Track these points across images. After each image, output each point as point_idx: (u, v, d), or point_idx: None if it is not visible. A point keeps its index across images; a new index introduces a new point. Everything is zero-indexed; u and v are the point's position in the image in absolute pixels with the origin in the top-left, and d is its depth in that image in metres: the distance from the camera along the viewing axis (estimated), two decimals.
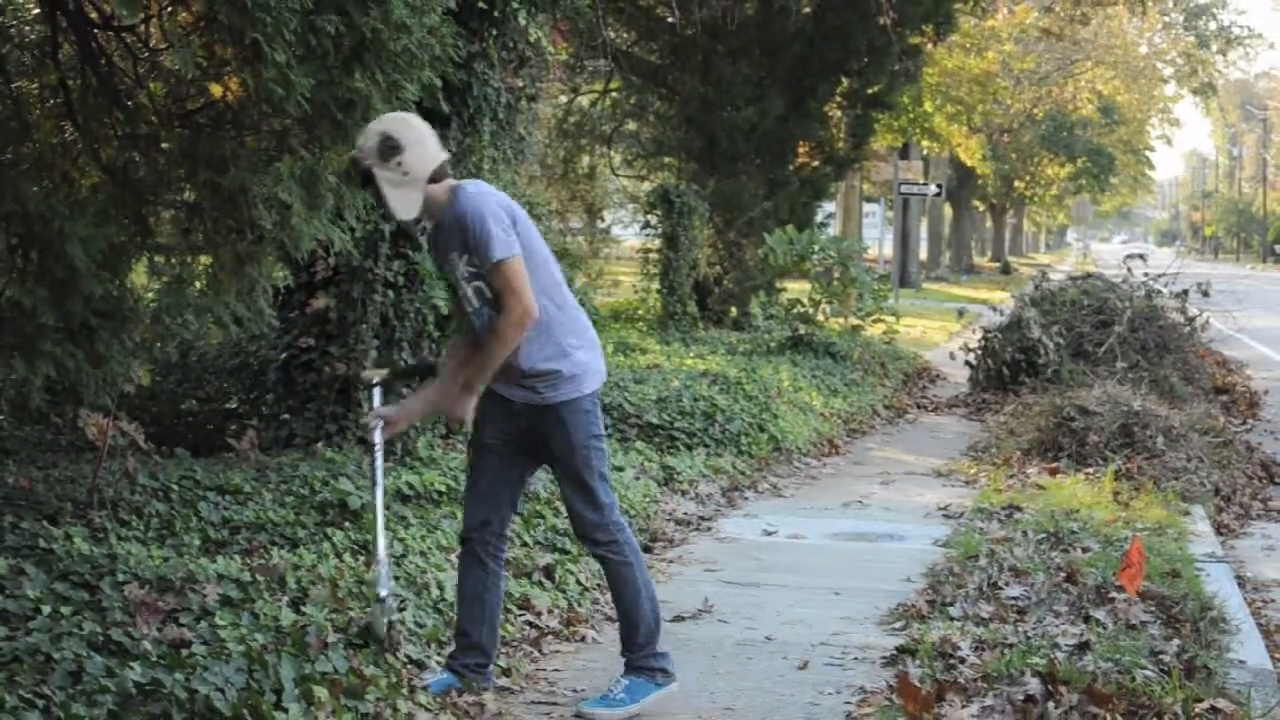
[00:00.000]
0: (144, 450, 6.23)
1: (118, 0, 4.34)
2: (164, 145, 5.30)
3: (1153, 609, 5.83)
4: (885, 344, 16.25)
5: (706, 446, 9.62)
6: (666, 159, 20.06)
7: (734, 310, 17.95)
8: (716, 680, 5.15)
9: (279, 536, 5.87)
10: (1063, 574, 6.36)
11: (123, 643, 4.35)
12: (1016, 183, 52.48)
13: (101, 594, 4.72)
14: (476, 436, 4.85)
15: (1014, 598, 6.08)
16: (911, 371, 16.15)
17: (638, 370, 12.01)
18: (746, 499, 8.89)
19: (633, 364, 12.71)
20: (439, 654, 4.99)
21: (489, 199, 4.58)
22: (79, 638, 4.30)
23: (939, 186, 33.01)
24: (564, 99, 22.21)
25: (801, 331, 14.90)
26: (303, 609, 4.95)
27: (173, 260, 5.60)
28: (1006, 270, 51.89)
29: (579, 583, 6.15)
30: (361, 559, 5.69)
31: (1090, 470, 9.35)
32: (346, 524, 6.14)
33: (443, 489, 6.89)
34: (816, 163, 19.18)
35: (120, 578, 4.87)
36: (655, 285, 17.06)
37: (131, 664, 4.13)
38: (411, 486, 6.85)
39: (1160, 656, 5.13)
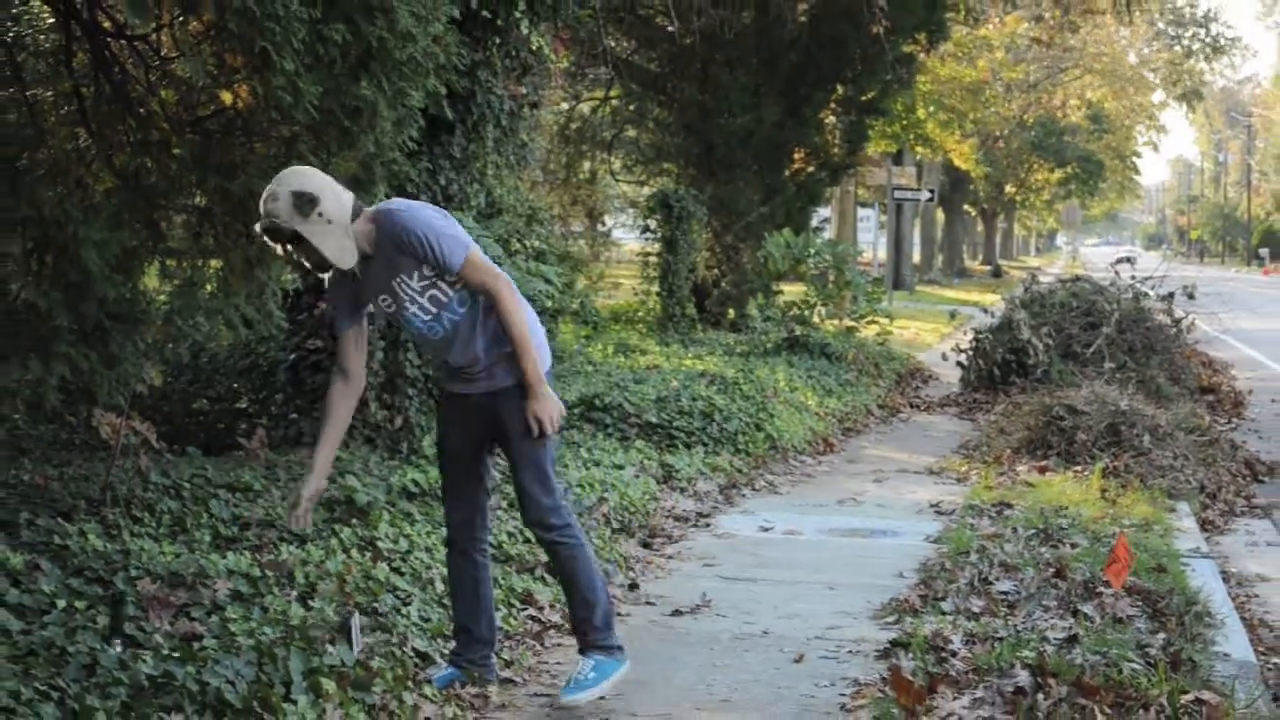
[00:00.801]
0: (156, 449, 6.23)
1: (130, 9, 4.35)
2: (175, 151, 5.31)
3: (1139, 603, 5.83)
4: (879, 345, 16.25)
5: (705, 445, 9.62)
6: (666, 165, 20.06)
7: (731, 312, 17.96)
8: (715, 673, 5.15)
9: (288, 533, 5.87)
10: (1051, 569, 6.36)
11: (135, 636, 4.35)
12: (1007, 188, 52.51)
13: (115, 589, 4.72)
14: (442, 443, 4.81)
15: (1004, 592, 6.08)
16: (904, 372, 16.14)
17: (638, 370, 12.02)
18: (744, 496, 8.89)
19: (633, 364, 12.72)
20: (444, 648, 4.98)
21: (422, 209, 4.53)
22: (93, 631, 4.30)
23: (932, 191, 32.98)
24: (565, 106, 22.20)
25: (797, 333, 14.91)
26: (311, 603, 4.96)
27: (184, 264, 5.61)
28: (997, 273, 51.87)
29: None
30: (368, 554, 5.69)
31: (1079, 468, 9.35)
32: (354, 521, 6.14)
33: None
34: (812, 168, 19.20)
35: (133, 573, 4.86)
36: (655, 288, 17.07)
37: (144, 657, 4.14)
38: (417, 484, 6.86)
39: (1146, 650, 5.12)
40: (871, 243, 33.74)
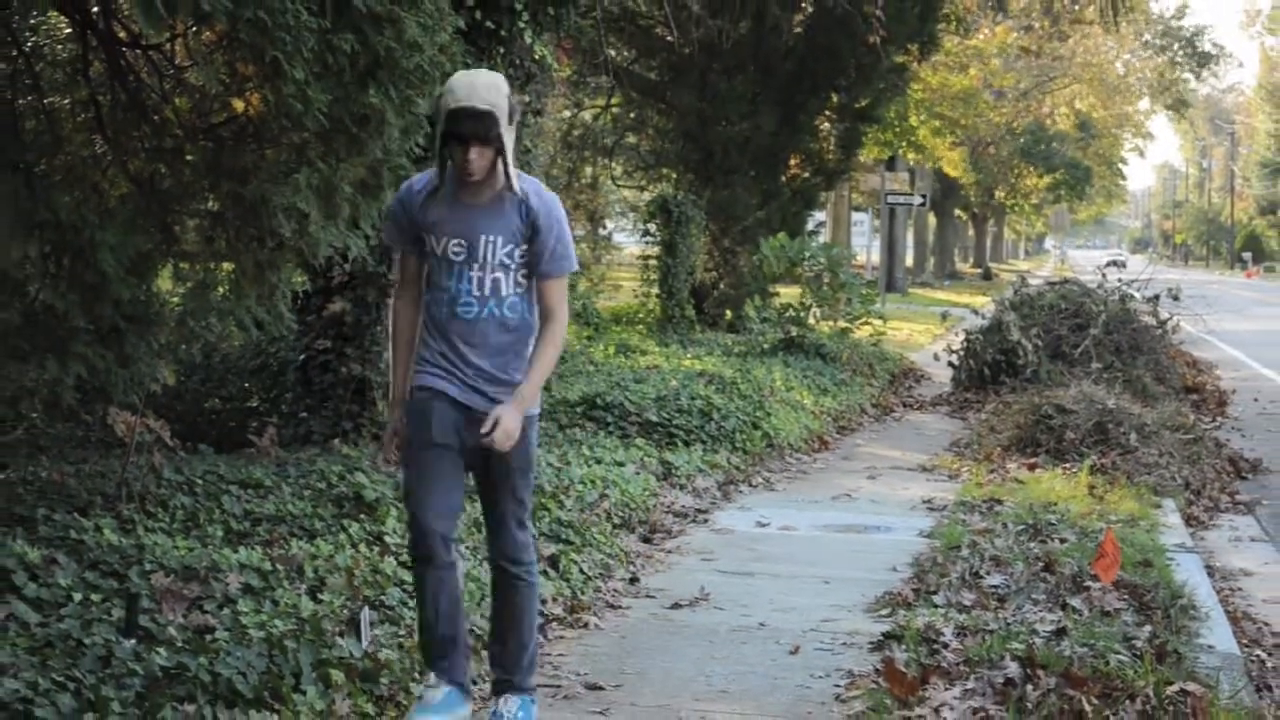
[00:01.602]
0: (170, 446, 6.23)
1: (145, 20, 4.35)
2: (189, 157, 5.31)
3: (1126, 597, 5.83)
4: (873, 346, 16.25)
5: (703, 443, 9.62)
6: (665, 170, 20.06)
7: (729, 313, 17.95)
8: (713, 664, 5.15)
9: (298, 528, 5.87)
10: (1041, 564, 6.36)
11: (149, 628, 4.36)
12: (997, 193, 52.48)
13: (130, 582, 4.72)
14: (424, 436, 4.13)
15: (994, 586, 6.08)
16: (897, 372, 16.14)
17: (638, 370, 12.01)
18: (741, 493, 8.89)
19: (633, 364, 12.71)
20: None
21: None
22: (108, 624, 4.30)
23: (924, 196, 32.96)
24: (568, 113, 22.20)
25: (793, 334, 14.90)
26: (320, 597, 4.95)
27: (197, 266, 5.61)
28: (988, 276, 51.86)
29: (582, 572, 6.15)
30: (376, 549, 5.69)
31: (1067, 465, 9.35)
32: (362, 516, 6.14)
33: None
34: (807, 174, 19.20)
35: (147, 567, 4.87)
36: (655, 290, 17.07)
37: (158, 648, 4.14)
38: None
39: (1133, 642, 5.13)
40: (865, 246, 33.70)
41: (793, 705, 4.72)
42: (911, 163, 35.23)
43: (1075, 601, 5.73)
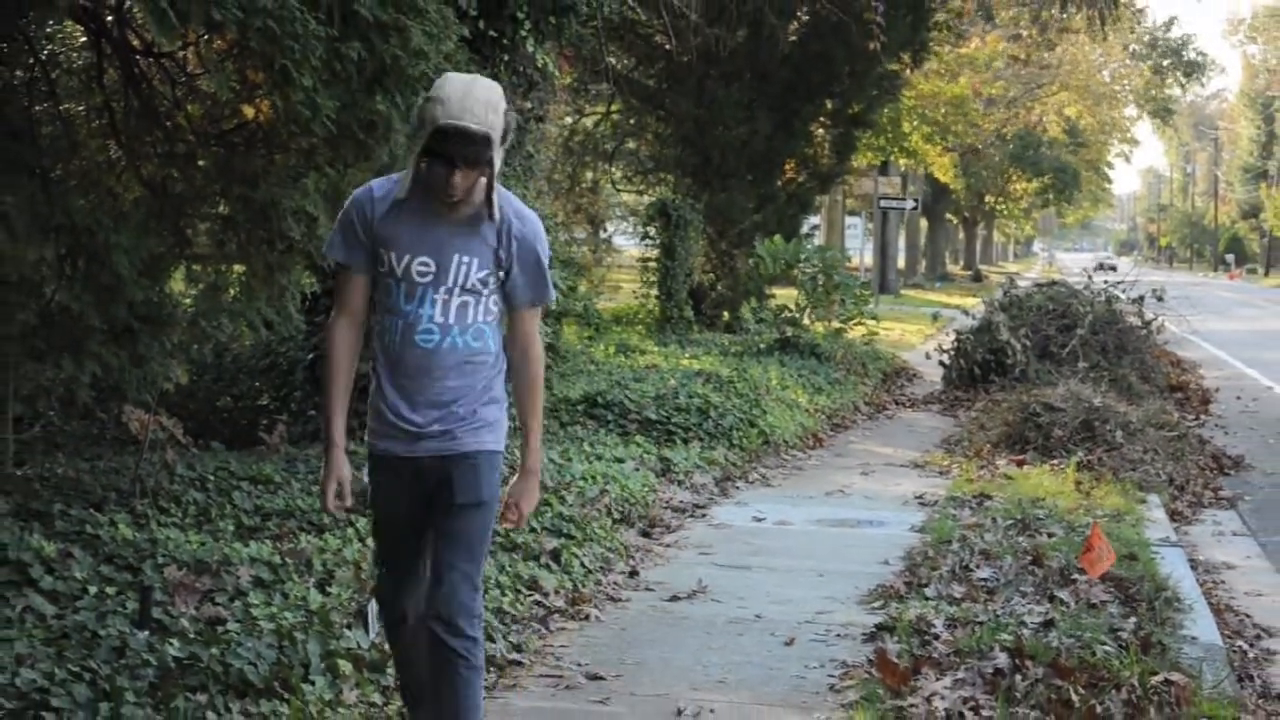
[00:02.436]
0: (182, 443, 6.23)
1: (158, 28, 4.35)
2: (200, 162, 5.31)
3: (1112, 589, 5.83)
4: (865, 345, 16.24)
5: (701, 440, 9.61)
6: (664, 175, 20.05)
7: (726, 314, 17.95)
8: (710, 655, 5.15)
9: (307, 523, 5.87)
10: (1029, 557, 6.36)
11: (163, 620, 4.36)
12: (987, 197, 52.48)
13: (143, 575, 4.73)
14: (392, 511, 3.69)
15: (984, 579, 6.08)
16: (890, 371, 16.13)
17: (637, 370, 12.01)
18: (738, 488, 8.89)
19: (633, 364, 12.71)
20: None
21: None
22: (123, 616, 4.30)
23: (916, 200, 32.99)
24: (569, 120, 22.19)
25: (789, 334, 14.89)
26: (328, 590, 4.95)
27: (208, 268, 5.61)
28: (978, 278, 51.83)
29: (583, 565, 6.15)
30: None
31: (1055, 462, 9.34)
32: (368, 511, 6.12)
33: None
34: (802, 178, 19.19)
35: (160, 560, 4.87)
36: (654, 291, 17.06)
37: (171, 640, 4.14)
38: None
39: (1119, 633, 5.12)
40: (859, 249, 33.72)
41: (788, 695, 4.72)
42: (904, 168, 35.21)
43: (1063, 594, 5.73)
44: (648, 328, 16.69)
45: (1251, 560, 7.45)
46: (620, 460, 8.36)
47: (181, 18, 4.26)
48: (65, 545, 4.88)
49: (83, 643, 4.08)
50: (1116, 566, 6.10)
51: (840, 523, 7.85)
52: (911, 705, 4.42)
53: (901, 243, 42.90)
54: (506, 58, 8.18)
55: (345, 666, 4.32)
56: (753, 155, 17.84)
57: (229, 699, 3.94)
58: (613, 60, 17.92)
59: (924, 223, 48.75)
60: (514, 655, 4.97)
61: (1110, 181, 64.34)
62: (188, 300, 5.63)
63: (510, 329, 3.63)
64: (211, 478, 6.29)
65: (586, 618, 5.62)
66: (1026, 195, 53.54)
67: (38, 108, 5.36)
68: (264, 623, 4.43)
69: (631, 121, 21.07)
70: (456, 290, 3.49)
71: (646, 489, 7.86)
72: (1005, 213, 58.42)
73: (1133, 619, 5.40)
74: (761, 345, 14.84)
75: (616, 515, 7.20)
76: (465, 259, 3.49)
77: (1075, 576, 5.96)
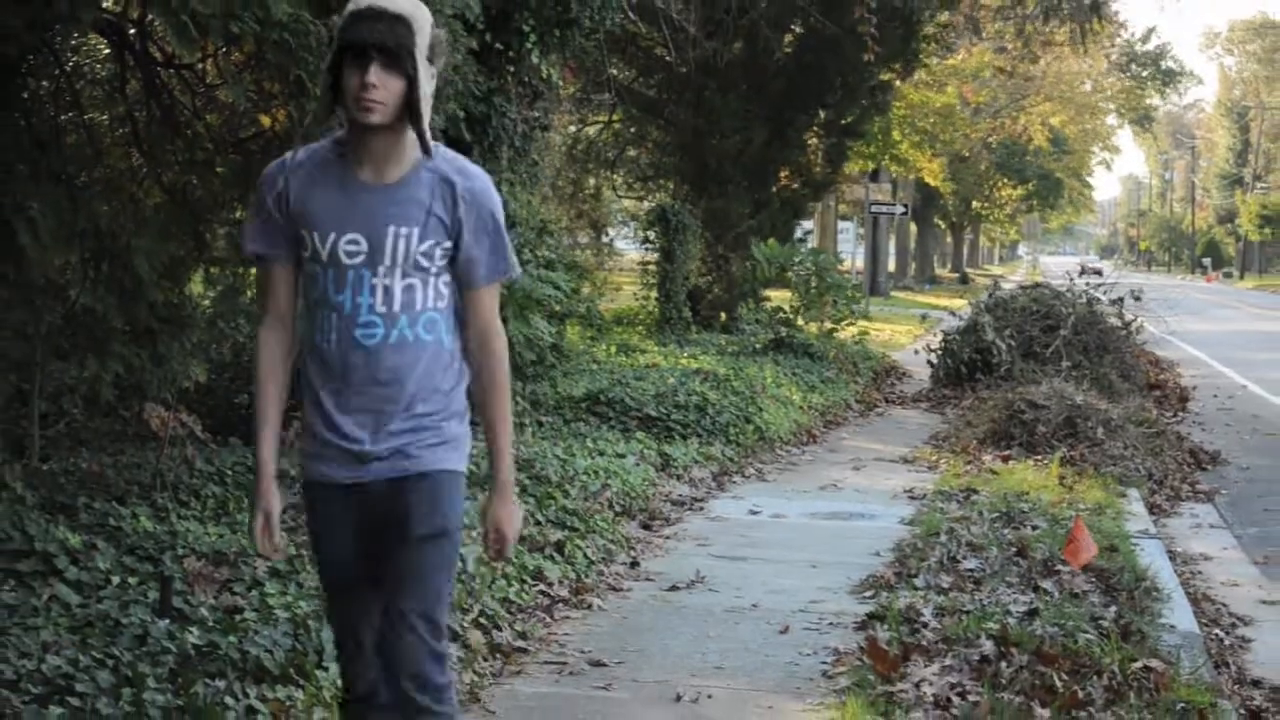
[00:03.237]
0: (201, 439, 6.23)
1: (178, 41, 4.35)
2: (219, 170, 5.33)
3: (1093, 580, 5.83)
4: (857, 345, 16.24)
5: (699, 436, 9.61)
6: (663, 181, 20.05)
7: (723, 315, 17.93)
8: (708, 642, 5.15)
9: None
10: (1014, 549, 6.36)
11: (182, 609, 4.36)
12: (974, 203, 52.46)
13: (164, 566, 4.73)
14: (332, 554, 2.88)
15: (971, 570, 6.08)
16: (880, 370, 16.13)
17: (638, 369, 12.01)
18: (734, 482, 8.89)
19: (633, 363, 12.71)
20: (463, 620, 4.97)
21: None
22: (144, 605, 4.31)
23: (905, 206, 32.90)
24: (573, 128, 22.18)
25: (783, 334, 14.89)
26: None
27: (226, 271, 5.63)
28: (965, 281, 51.79)
29: (586, 556, 6.15)
30: None
31: (1039, 457, 9.35)
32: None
33: None
34: (796, 185, 19.18)
35: (180, 552, 4.87)
36: (653, 293, 17.05)
37: (190, 628, 4.14)
38: None
39: (1100, 622, 5.13)
40: (850, 252, 33.67)
41: (783, 681, 4.72)
42: (894, 174, 35.19)
43: (1046, 584, 5.73)
44: (648, 328, 16.68)
45: (1228, 551, 7.45)
46: (621, 456, 8.36)
47: (201, 31, 4.27)
48: (89, 537, 4.88)
49: (106, 631, 4.08)
50: (1098, 558, 6.10)
51: (833, 516, 7.85)
52: (901, 691, 4.42)
53: (891, 247, 42.85)
54: (513, 69, 8.18)
55: None
56: (749, 163, 17.82)
57: (246, 684, 3.94)
58: (615, 72, 17.92)
59: (913, 227, 48.69)
60: (519, 643, 4.97)
61: (1092, 188, 64.27)
62: (206, 302, 5.64)
63: (466, 314, 2.84)
64: (229, 472, 6.28)
65: (589, 607, 5.62)
66: (1011, 201, 53.49)
67: (63, 117, 5.36)
68: (280, 611, 4.43)
69: (632, 130, 21.07)
70: (397, 271, 2.74)
71: (647, 483, 7.86)
72: (991, 218, 58.37)
73: (1113, 608, 5.40)
74: (757, 345, 14.83)
75: (618, 508, 7.20)
76: (403, 230, 2.73)
77: (1058, 567, 5.96)
